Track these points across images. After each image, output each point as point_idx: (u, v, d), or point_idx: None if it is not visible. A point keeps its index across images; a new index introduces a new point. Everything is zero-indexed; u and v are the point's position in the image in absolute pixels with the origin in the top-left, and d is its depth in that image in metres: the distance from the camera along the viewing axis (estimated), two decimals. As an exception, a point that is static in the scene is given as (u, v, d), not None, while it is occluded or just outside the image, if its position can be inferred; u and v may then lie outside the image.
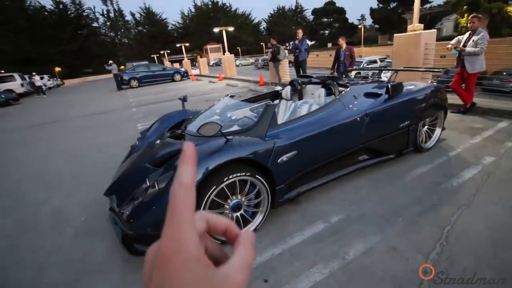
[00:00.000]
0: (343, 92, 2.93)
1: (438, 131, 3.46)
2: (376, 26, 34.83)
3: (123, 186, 2.33)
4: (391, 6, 33.57)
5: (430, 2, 31.37)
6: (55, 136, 6.63)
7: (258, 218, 2.20)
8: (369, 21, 43.30)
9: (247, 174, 2.00)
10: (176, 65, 24.09)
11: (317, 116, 2.57)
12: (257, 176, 2.05)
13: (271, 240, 2.12)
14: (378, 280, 1.68)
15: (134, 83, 16.26)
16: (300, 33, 7.85)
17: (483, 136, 3.74)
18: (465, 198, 2.42)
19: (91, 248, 2.28)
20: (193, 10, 54.08)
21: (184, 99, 3.50)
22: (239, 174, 1.96)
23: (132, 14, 50.64)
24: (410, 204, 2.40)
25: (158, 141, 2.63)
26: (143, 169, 2.29)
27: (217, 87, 12.51)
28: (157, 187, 1.87)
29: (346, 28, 42.04)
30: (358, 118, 2.68)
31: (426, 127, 3.35)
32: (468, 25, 4.35)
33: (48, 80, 27.45)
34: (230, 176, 1.93)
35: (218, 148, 1.95)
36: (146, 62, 23.73)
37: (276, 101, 3.32)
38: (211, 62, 38.53)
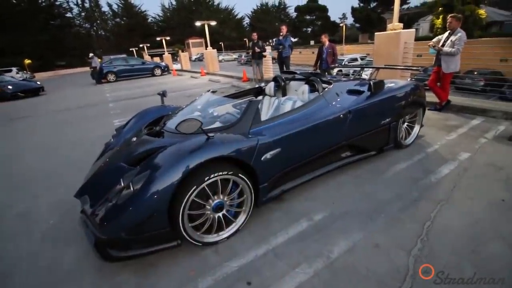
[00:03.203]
0: (326, 89, 2.91)
1: (417, 128, 3.54)
2: (357, 25, 35.61)
3: (96, 186, 2.17)
4: (371, 6, 34.37)
5: (408, 3, 32.45)
6: (24, 133, 6.18)
7: (241, 218, 2.12)
8: (350, 20, 44.15)
9: (230, 173, 1.92)
10: (157, 59, 23.33)
11: (301, 113, 2.53)
12: (240, 175, 1.97)
13: (254, 240, 2.06)
14: (362, 278, 1.67)
15: (111, 77, 15.54)
16: (284, 29, 7.80)
17: (458, 133, 3.88)
18: (443, 193, 2.48)
19: (61, 254, 2.11)
20: (174, 2, 52.51)
21: (163, 94, 3.34)
22: (221, 173, 1.88)
23: (109, 5, 48.64)
24: (391, 200, 2.43)
25: (134, 139, 2.48)
26: (117, 169, 2.14)
27: (199, 83, 12.24)
28: (132, 188, 1.74)
29: (328, 26, 42.57)
30: (341, 115, 2.66)
31: (405, 124, 3.42)
32: (447, 24, 4.48)
33: (17, 73, 25.65)
34: (212, 176, 1.84)
35: (199, 146, 1.85)
36: (124, 56, 22.78)
37: (260, 97, 3.25)
38: (193, 57, 37.63)
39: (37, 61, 37.06)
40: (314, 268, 1.76)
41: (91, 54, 15.44)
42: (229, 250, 1.98)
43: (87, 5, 45.74)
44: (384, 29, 6.02)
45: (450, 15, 4.45)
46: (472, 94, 6.78)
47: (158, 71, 17.00)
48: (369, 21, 31.06)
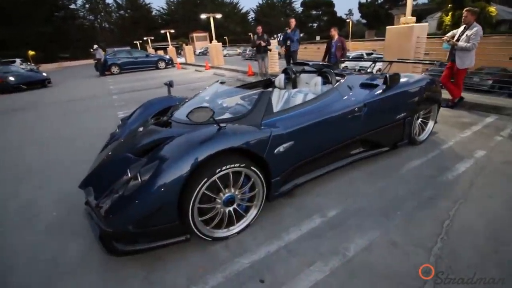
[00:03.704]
0: (340, 82, 2.80)
1: (431, 124, 3.43)
2: (364, 21, 35.04)
3: (101, 177, 2.10)
4: (379, 2, 33.83)
5: (416, 0, 31.98)
6: (26, 124, 6.12)
7: (252, 213, 2.04)
8: (356, 17, 43.38)
9: (242, 165, 1.83)
10: (160, 53, 23.12)
11: (314, 105, 2.43)
12: (252, 167, 1.88)
13: (266, 236, 1.98)
14: (381, 277, 1.59)
15: (115, 69, 15.44)
16: (293, 22, 7.62)
17: (472, 130, 3.76)
18: (461, 191, 2.38)
19: (64, 246, 2.04)
20: (178, -4, 52.00)
21: (170, 84, 3.25)
22: (232, 165, 1.79)
23: (114, -3, 47.91)
24: (407, 197, 2.34)
25: (141, 129, 2.39)
26: (123, 159, 2.06)
27: (204, 76, 12.12)
28: (140, 179, 1.66)
29: (334, 22, 41.91)
30: (356, 108, 2.56)
31: (419, 119, 3.30)
32: (462, 18, 4.33)
33: (21, 64, 25.57)
34: (223, 168, 1.75)
35: (210, 137, 1.76)
36: (128, 48, 22.64)
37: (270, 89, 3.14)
38: (197, 51, 37.26)
39: (41, 53, 36.98)
40: (330, 266, 1.68)
41: (95, 46, 15.23)
42: (240, 246, 1.90)
43: (91, -4, 45.41)
44: (392, 25, 5.85)
45: (465, 9, 4.29)
46: (481, 92, 6.59)
47: (162, 64, 16.87)
48: (376, 17, 30.56)
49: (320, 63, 3.79)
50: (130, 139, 2.36)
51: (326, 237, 1.93)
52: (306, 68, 3.37)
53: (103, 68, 15.05)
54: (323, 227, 2.03)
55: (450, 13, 18.46)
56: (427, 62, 4.10)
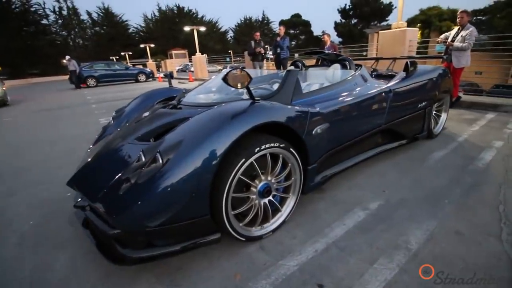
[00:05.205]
0: (359, 69, 2.64)
1: (444, 116, 3.36)
2: (340, 39, 36.82)
3: (98, 172, 1.69)
4: (353, 22, 36.02)
5: (387, 20, 34.36)
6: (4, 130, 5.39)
7: (289, 205, 1.71)
8: (331, 36, 45.04)
9: (281, 145, 1.53)
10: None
11: (344, 88, 2.22)
12: (291, 149, 1.58)
13: (306, 233, 1.65)
14: (462, 270, 1.31)
15: (91, 82, 14.61)
16: (282, 30, 7.61)
17: (479, 125, 3.75)
18: (499, 177, 2.23)
19: (48, 260, 1.57)
20: (157, 14, 52.06)
21: (170, 76, 2.95)
22: (272, 144, 1.48)
23: (89, 14, 46.47)
24: (448, 186, 2.13)
25: (147, 113, 2.02)
26: (128, 147, 1.68)
27: (188, 87, 11.75)
28: (161, 161, 1.29)
29: (311, 40, 43.83)
30: (383, 93, 2.38)
31: (433, 112, 3.21)
32: (457, 20, 4.48)
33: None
34: (262, 147, 1.44)
35: (246, 109, 1.45)
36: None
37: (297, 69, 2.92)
38: (176, 68, 36.87)
39: (7, 68, 34.73)
40: (397, 263, 1.38)
41: (67, 57, 14.18)
42: (279, 247, 1.56)
43: (64, 12, 44.05)
44: (366, 42, 5.99)
45: (461, 10, 4.44)
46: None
47: (142, 77, 16.26)
48: (351, 36, 32.39)
49: (334, 52, 3.66)
50: (133, 126, 1.97)
51: (377, 231, 1.64)
52: (321, 56, 3.22)
53: (79, 80, 14.18)
54: (370, 220, 1.75)
55: (419, 32, 19.92)
56: (435, 57, 4.13)
